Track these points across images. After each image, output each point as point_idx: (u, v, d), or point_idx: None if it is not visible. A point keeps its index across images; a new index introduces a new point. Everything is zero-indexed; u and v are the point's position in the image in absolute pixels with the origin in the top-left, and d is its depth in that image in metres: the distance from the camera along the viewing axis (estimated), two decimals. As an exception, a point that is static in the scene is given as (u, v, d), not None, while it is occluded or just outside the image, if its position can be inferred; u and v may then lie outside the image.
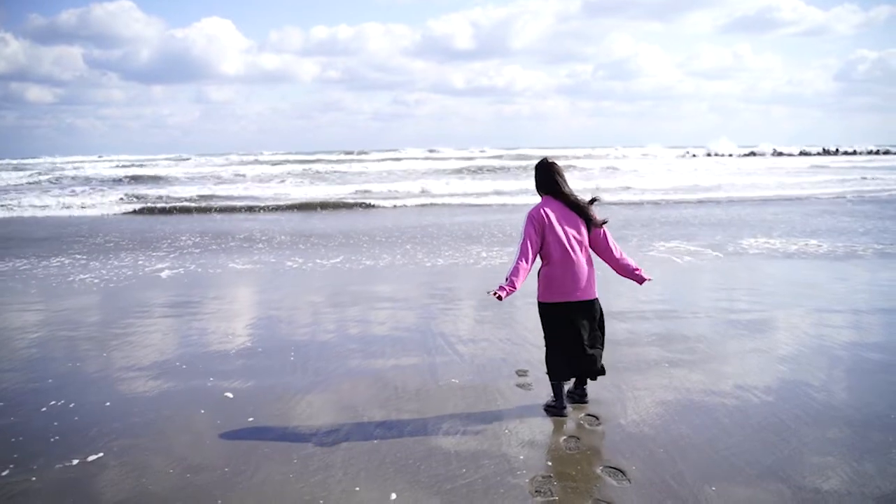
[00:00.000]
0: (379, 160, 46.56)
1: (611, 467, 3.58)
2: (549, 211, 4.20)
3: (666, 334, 6.07)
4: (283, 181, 29.53)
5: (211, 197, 22.37)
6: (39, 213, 18.78)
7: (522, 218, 4.24)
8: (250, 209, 19.07)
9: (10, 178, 30.81)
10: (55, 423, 4.27)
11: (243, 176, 32.21)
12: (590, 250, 4.29)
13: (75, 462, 3.73)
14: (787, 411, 4.28)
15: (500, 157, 49.37)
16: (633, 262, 4.36)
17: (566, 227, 4.19)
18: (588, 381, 4.51)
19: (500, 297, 3.98)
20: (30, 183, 29.11)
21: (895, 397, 4.54)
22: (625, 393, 4.61)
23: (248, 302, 8.02)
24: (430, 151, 59.17)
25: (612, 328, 6.10)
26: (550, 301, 4.24)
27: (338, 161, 45.64)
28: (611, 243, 4.32)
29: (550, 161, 4.38)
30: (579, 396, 4.51)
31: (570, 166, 35.27)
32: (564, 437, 3.96)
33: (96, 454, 3.82)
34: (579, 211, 4.24)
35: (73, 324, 6.83)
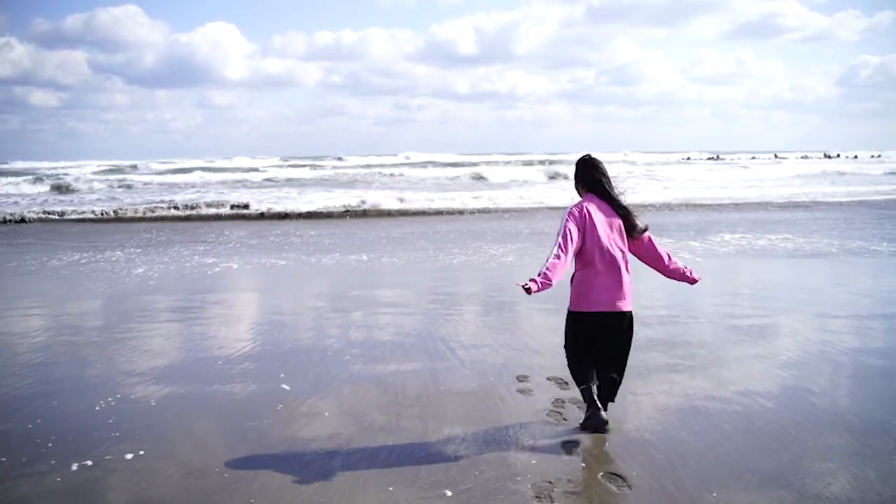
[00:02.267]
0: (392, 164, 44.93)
1: (611, 473, 3.58)
2: (590, 209, 3.89)
3: (667, 339, 6.06)
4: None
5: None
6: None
7: (562, 215, 3.94)
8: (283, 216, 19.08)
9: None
10: (56, 427, 4.27)
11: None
12: (628, 257, 3.97)
13: (75, 467, 3.73)
14: (787, 417, 4.27)
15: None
16: (681, 265, 4.12)
17: (607, 230, 3.89)
18: (606, 406, 4.09)
19: (528, 291, 3.57)
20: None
21: (895, 404, 4.53)
22: (626, 398, 4.60)
23: (250, 305, 8.02)
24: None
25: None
26: (584, 310, 3.94)
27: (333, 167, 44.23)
28: (659, 249, 4.07)
29: (594, 158, 4.09)
30: (596, 424, 4.03)
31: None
32: (564, 442, 3.96)
33: (96, 459, 3.82)
34: (623, 214, 3.95)
35: (74, 328, 6.84)
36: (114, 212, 18.82)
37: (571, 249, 3.76)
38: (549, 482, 3.49)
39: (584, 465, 3.69)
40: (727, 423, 4.20)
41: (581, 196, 4.07)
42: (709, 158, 57.24)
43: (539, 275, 3.65)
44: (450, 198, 21.60)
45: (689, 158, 58.78)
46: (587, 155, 4.14)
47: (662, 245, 4.13)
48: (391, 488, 3.45)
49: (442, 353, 5.77)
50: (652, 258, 4.09)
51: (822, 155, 63.64)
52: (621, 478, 3.52)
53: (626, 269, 3.93)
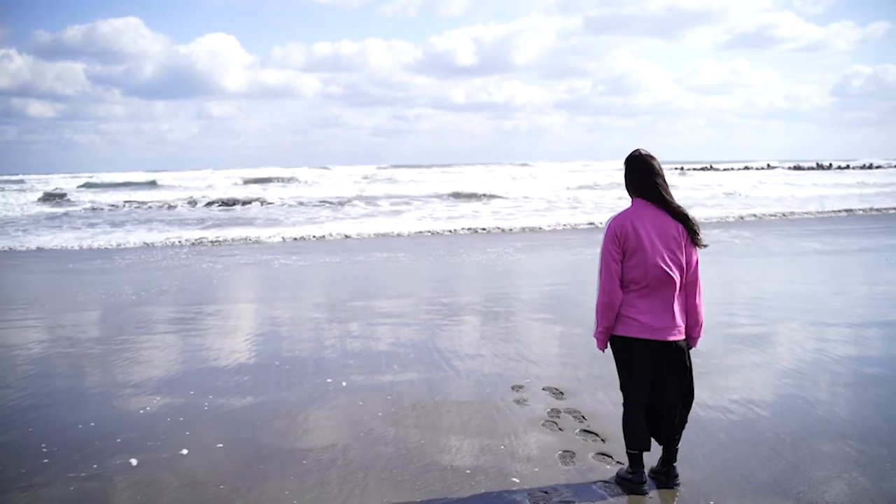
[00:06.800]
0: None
1: (607, 482, 3.59)
2: (637, 220, 3.28)
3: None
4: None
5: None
6: None
7: (602, 231, 3.39)
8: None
9: None
10: (54, 439, 4.26)
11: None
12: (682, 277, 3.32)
13: (73, 478, 3.73)
14: (783, 426, 4.28)
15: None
16: (701, 317, 3.43)
17: (659, 243, 3.26)
18: (675, 456, 3.55)
19: (602, 349, 3.46)
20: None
21: (889, 411, 4.56)
22: (621, 408, 4.61)
23: (248, 316, 8.02)
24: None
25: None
26: (631, 336, 3.33)
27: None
28: (698, 278, 3.37)
29: (646, 154, 3.37)
30: (666, 477, 3.54)
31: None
32: (560, 453, 3.96)
33: (93, 471, 3.82)
34: (683, 222, 3.30)
35: (70, 341, 6.82)
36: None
37: (616, 286, 3.30)
38: (546, 492, 3.49)
39: (579, 474, 3.70)
40: (722, 431, 4.22)
41: (632, 200, 3.41)
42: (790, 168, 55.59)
43: (597, 325, 3.38)
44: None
45: (682, 168, 58.83)
46: (637, 151, 3.41)
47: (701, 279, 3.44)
48: (387, 499, 3.45)
49: (437, 363, 5.77)
50: (687, 282, 3.36)
51: (814, 164, 63.95)
52: (617, 487, 3.53)
53: (680, 289, 3.33)
